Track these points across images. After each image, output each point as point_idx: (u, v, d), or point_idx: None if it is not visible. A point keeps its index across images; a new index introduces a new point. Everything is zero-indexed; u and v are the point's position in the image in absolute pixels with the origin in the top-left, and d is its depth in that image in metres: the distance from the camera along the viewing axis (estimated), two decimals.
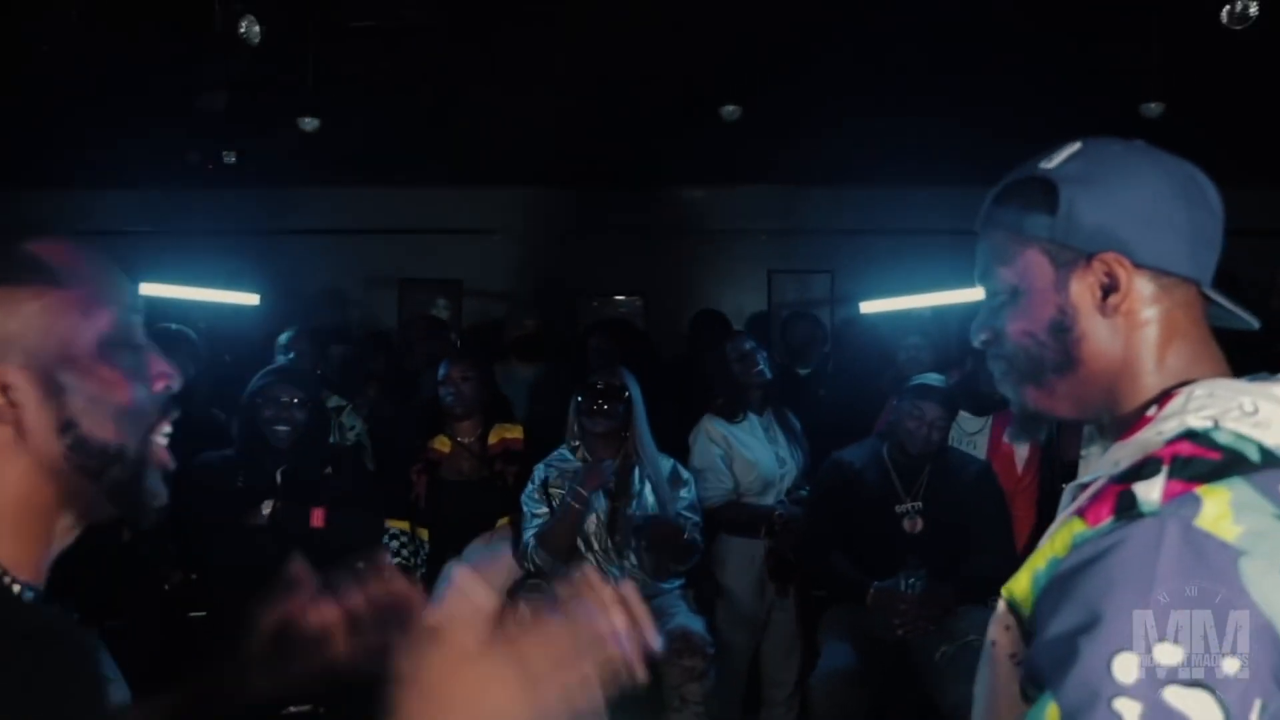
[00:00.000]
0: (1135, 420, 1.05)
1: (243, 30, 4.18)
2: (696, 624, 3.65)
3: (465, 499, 3.97)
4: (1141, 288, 1.07)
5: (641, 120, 5.83)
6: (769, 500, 4.16)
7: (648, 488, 3.80)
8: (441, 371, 4.15)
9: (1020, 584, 1.03)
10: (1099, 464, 1.06)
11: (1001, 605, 1.06)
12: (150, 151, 6.18)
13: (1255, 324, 1.12)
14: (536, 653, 0.85)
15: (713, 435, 4.15)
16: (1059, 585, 0.94)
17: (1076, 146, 1.12)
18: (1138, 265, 1.06)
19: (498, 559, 3.78)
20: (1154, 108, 5.05)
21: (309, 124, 5.18)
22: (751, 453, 4.16)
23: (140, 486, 0.94)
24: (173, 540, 3.71)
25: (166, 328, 4.45)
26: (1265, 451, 0.95)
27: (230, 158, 6.22)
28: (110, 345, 0.92)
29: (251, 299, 5.74)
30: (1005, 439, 3.99)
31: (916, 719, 3.39)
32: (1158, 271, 1.07)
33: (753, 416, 4.24)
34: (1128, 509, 0.94)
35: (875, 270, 6.32)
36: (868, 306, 5.26)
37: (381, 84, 5.33)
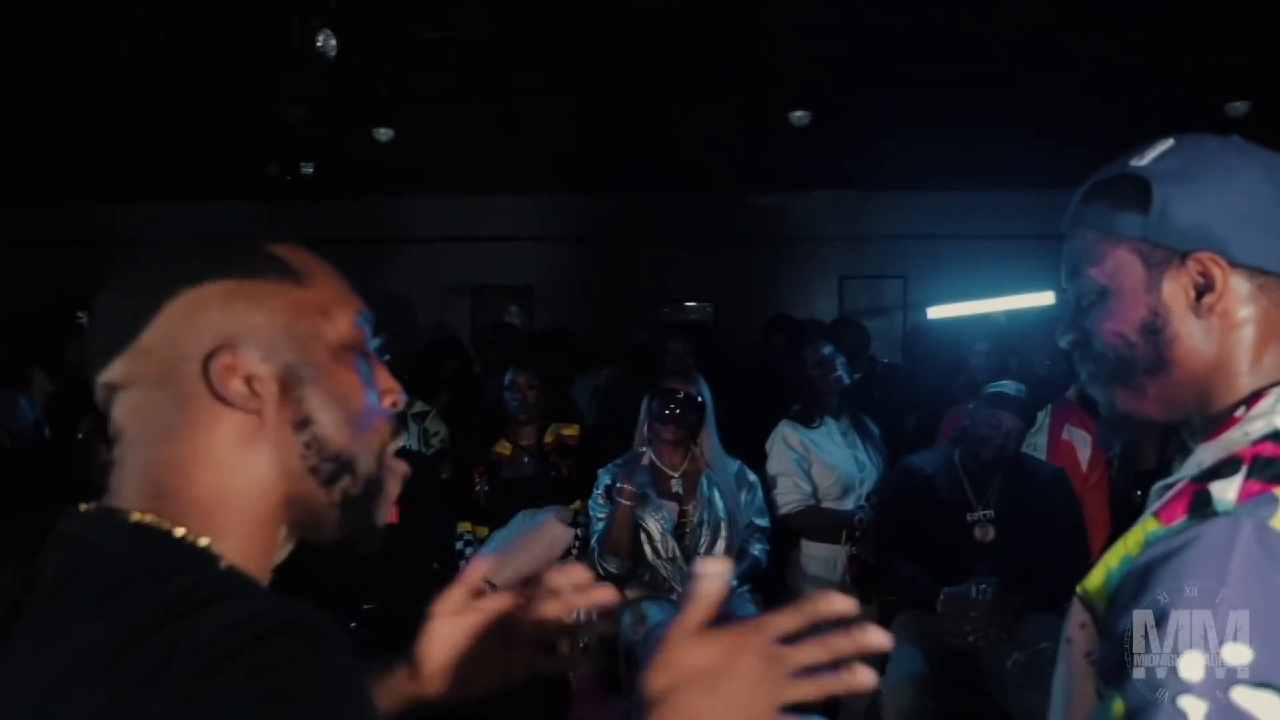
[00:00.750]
0: (1224, 421, 1.03)
1: (319, 45, 4.29)
2: None
3: (521, 494, 4.04)
4: (1237, 287, 1.04)
5: (711, 127, 5.85)
6: (849, 505, 4.13)
7: (716, 494, 3.81)
8: (508, 379, 4.21)
9: (1094, 581, 1.03)
10: (1185, 465, 1.05)
11: (1077, 603, 1.06)
12: (232, 164, 6.36)
13: None
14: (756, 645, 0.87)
15: (790, 441, 4.14)
16: (1130, 582, 0.93)
17: (1169, 143, 1.08)
18: (1234, 264, 1.03)
19: (537, 528, 3.81)
20: (1239, 106, 4.94)
21: (384, 134, 5.28)
22: (830, 457, 4.15)
23: (371, 507, 0.92)
24: None
25: None
26: None
27: (308, 169, 6.37)
28: (347, 349, 0.92)
29: None
30: (1099, 444, 3.93)
31: None
32: (1255, 270, 1.03)
33: (830, 421, 4.22)
34: (1202, 507, 0.93)
35: (948, 275, 6.25)
36: (935, 312, 5.20)
37: (454, 94, 5.42)
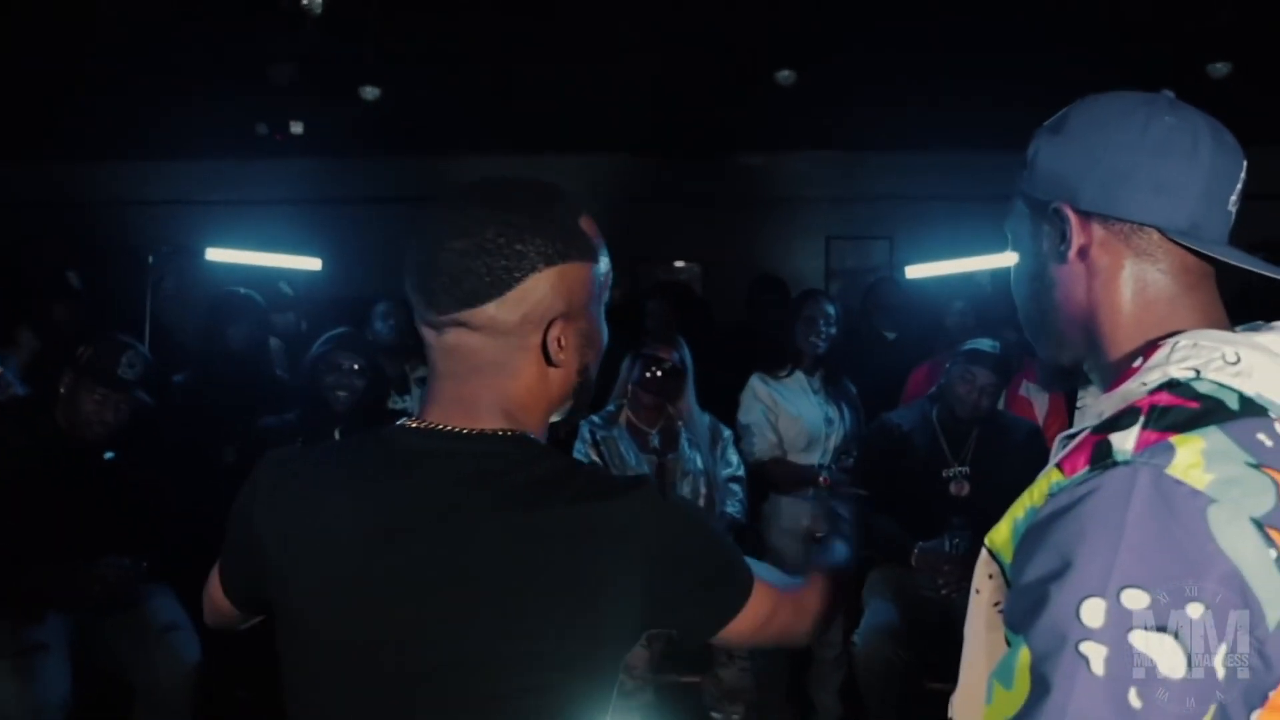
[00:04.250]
0: (1123, 372, 1.05)
1: (305, 1, 4.28)
2: None
3: None
4: (1099, 235, 1.06)
5: (698, 87, 5.84)
6: (814, 458, 4.17)
7: (693, 449, 3.88)
8: None
9: (1001, 533, 1.04)
10: (1086, 416, 1.06)
11: (984, 554, 1.07)
12: (221, 123, 6.35)
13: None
14: None
15: (758, 394, 4.20)
16: (1035, 533, 0.95)
17: (1077, 101, 1.11)
18: (1086, 212, 1.06)
19: None
20: (1221, 67, 4.95)
21: (370, 93, 5.28)
22: (795, 408, 4.18)
23: (589, 399, 1.31)
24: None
25: (234, 292, 4.58)
26: (1245, 400, 0.94)
27: (298, 128, 6.35)
28: (604, 308, 1.27)
29: (314, 263, 5.76)
30: (1036, 385, 3.97)
31: (958, 677, 3.41)
32: (1117, 219, 1.05)
33: (800, 375, 4.24)
34: (1102, 458, 0.94)
35: (935, 236, 6.25)
36: (914, 271, 5.16)
37: (442, 53, 5.40)
